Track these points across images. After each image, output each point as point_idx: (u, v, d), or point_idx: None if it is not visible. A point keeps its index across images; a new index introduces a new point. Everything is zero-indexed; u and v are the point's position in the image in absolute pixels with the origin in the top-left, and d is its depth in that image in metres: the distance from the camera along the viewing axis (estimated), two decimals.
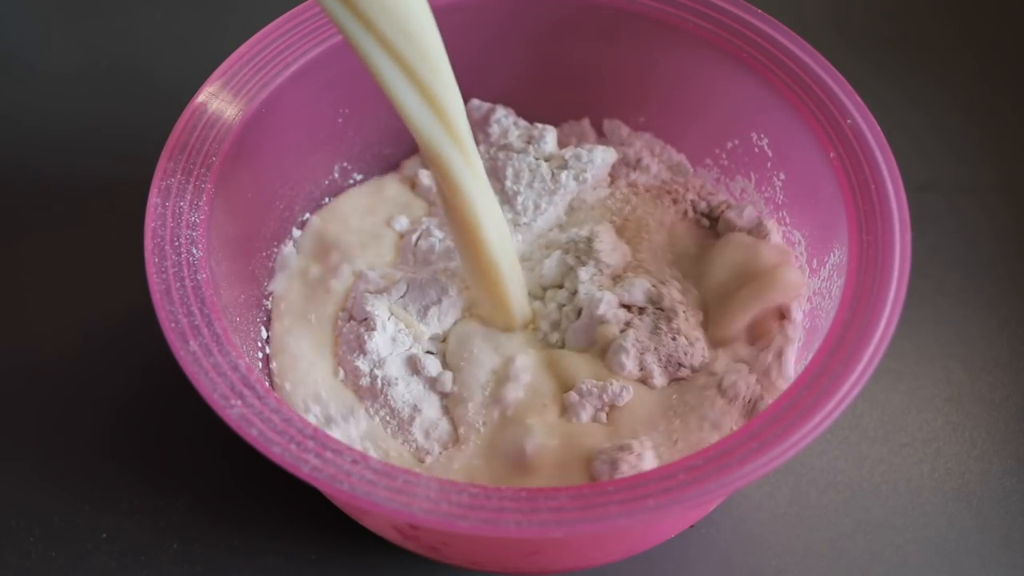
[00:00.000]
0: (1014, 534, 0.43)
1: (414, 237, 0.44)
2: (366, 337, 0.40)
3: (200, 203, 0.36)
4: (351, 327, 0.41)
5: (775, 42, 0.41)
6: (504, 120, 0.46)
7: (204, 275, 0.34)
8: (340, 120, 0.46)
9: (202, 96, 0.39)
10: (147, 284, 0.33)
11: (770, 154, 0.43)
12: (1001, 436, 0.46)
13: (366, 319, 0.41)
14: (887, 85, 0.59)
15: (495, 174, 0.44)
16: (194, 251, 0.35)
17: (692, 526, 0.42)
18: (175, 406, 0.45)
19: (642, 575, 0.42)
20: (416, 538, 0.36)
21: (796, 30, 0.41)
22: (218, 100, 0.39)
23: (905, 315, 0.33)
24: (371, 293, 0.42)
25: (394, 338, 0.40)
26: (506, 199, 0.44)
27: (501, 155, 0.44)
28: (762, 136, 0.43)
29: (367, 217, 0.46)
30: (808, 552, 0.42)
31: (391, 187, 0.48)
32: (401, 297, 0.41)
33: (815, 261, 0.40)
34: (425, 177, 0.47)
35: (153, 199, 0.36)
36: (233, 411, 0.31)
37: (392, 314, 0.41)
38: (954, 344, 0.48)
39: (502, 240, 0.38)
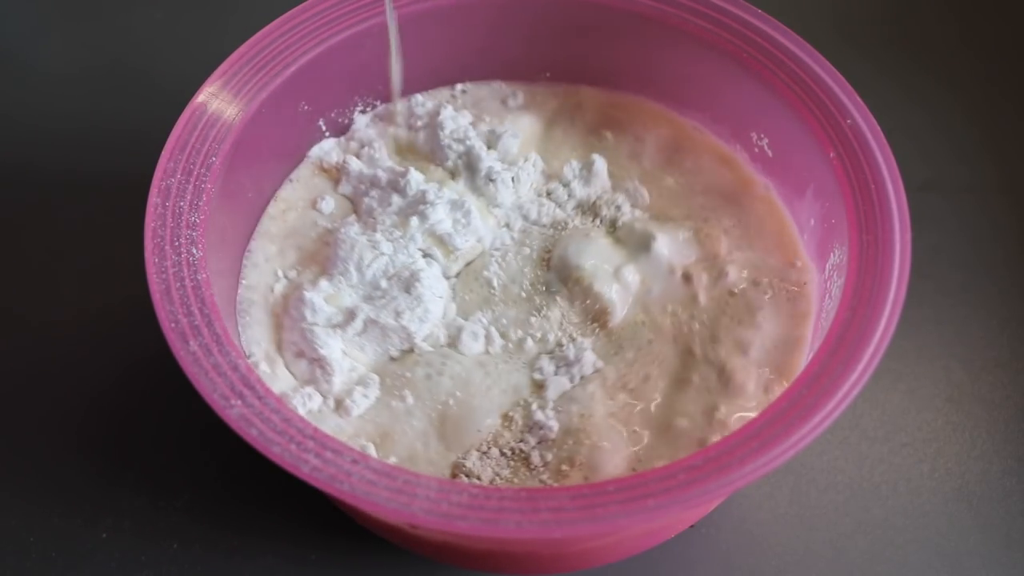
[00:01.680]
0: (1014, 534, 0.43)
1: (356, 252, 0.40)
2: (324, 382, 0.38)
3: (200, 203, 0.36)
4: (300, 365, 0.39)
5: (774, 42, 0.41)
6: (453, 121, 0.45)
7: (204, 275, 0.34)
8: (341, 120, 0.46)
9: (202, 96, 0.39)
10: (147, 284, 0.33)
11: (770, 154, 0.43)
12: (1001, 436, 0.45)
13: (319, 360, 0.38)
14: (887, 84, 0.59)
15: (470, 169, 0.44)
16: (194, 251, 0.35)
17: (692, 526, 0.42)
18: (175, 405, 0.45)
19: (642, 575, 0.42)
20: (417, 539, 0.36)
21: (796, 29, 0.41)
22: (218, 100, 0.39)
23: (905, 315, 0.33)
24: (320, 327, 0.39)
25: (351, 375, 0.39)
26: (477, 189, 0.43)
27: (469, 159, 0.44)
28: (762, 136, 0.43)
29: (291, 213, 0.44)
30: (808, 552, 0.42)
31: (306, 175, 0.45)
32: (357, 336, 0.39)
33: (815, 261, 0.40)
34: (354, 163, 0.44)
35: (153, 199, 0.36)
36: (233, 411, 0.31)
37: (347, 354, 0.39)
38: (954, 344, 0.48)
39: None
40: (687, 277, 0.41)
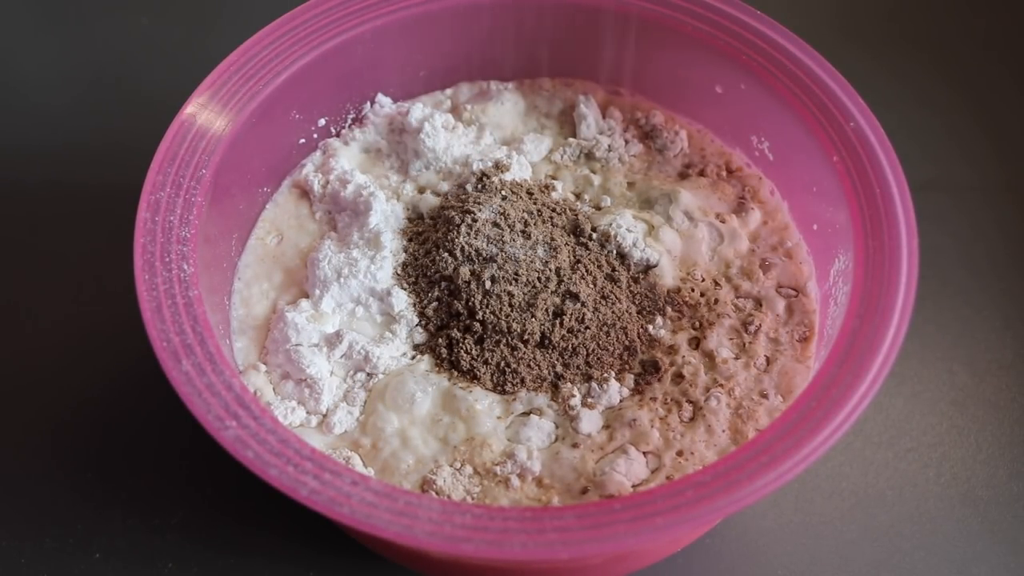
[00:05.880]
0: (1023, 539, 0.42)
1: (333, 269, 0.39)
2: (313, 401, 0.37)
3: (191, 217, 0.36)
4: (286, 387, 0.38)
5: (775, 44, 0.40)
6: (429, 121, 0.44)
7: (196, 292, 0.34)
8: (332, 130, 0.45)
9: (191, 106, 0.38)
10: (137, 301, 0.33)
11: (771, 158, 0.43)
12: (1007, 439, 0.45)
13: (306, 380, 0.38)
14: (891, 82, 0.59)
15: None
16: (185, 267, 0.34)
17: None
18: (168, 423, 0.44)
19: None
20: (419, 557, 0.36)
21: (800, 27, 0.40)
22: (207, 110, 0.38)
23: None
24: (305, 348, 0.38)
25: (341, 394, 0.38)
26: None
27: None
28: (762, 140, 0.43)
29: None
30: (814, 561, 0.42)
31: (288, 196, 0.44)
32: (343, 357, 0.38)
33: (819, 267, 0.40)
34: (317, 184, 0.43)
35: (142, 213, 0.35)
36: (228, 432, 0.30)
37: (333, 372, 0.38)
38: (958, 346, 0.48)
39: None
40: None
